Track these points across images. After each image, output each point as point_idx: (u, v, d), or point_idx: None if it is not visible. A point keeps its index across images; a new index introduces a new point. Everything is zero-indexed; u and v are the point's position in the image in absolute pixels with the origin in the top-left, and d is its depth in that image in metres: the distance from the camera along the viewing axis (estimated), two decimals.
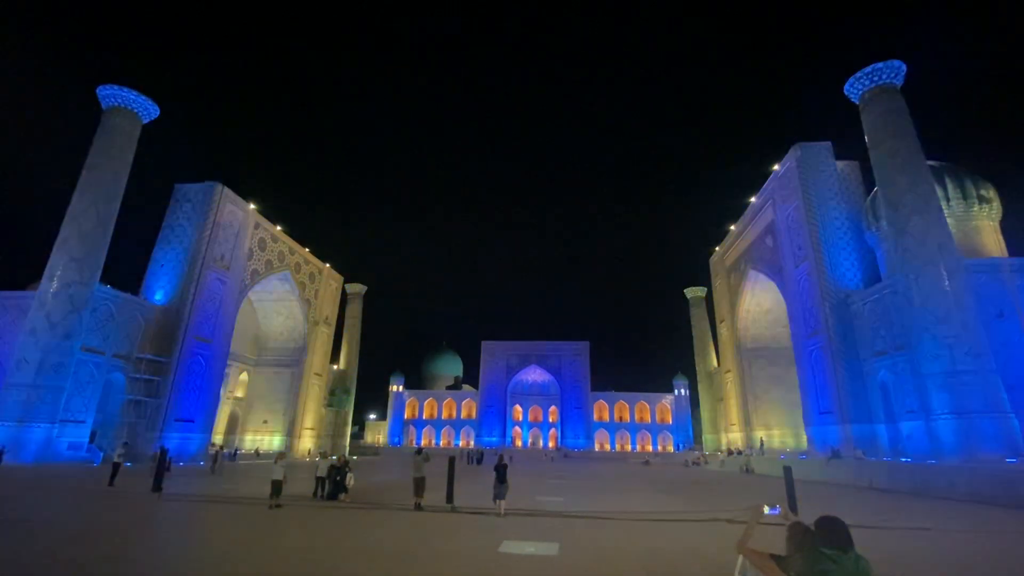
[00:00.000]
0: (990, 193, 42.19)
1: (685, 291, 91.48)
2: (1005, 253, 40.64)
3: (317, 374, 73.54)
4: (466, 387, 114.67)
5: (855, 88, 40.76)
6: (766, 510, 4.10)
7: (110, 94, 43.81)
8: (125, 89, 43.85)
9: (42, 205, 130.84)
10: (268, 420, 68.44)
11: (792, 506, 16.30)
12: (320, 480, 19.47)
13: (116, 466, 23.28)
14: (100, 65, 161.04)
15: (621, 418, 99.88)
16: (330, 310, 78.50)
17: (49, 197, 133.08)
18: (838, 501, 22.63)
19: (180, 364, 47.62)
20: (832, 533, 3.44)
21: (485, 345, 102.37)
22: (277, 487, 16.76)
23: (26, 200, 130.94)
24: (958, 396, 30.46)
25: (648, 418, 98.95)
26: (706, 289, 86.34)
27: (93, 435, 42.16)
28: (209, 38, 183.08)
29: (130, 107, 44.46)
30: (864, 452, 37.58)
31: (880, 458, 36.55)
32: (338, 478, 19.06)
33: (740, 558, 3.84)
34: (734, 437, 66.66)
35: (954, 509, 19.53)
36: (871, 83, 39.76)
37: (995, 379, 30.57)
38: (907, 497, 24.15)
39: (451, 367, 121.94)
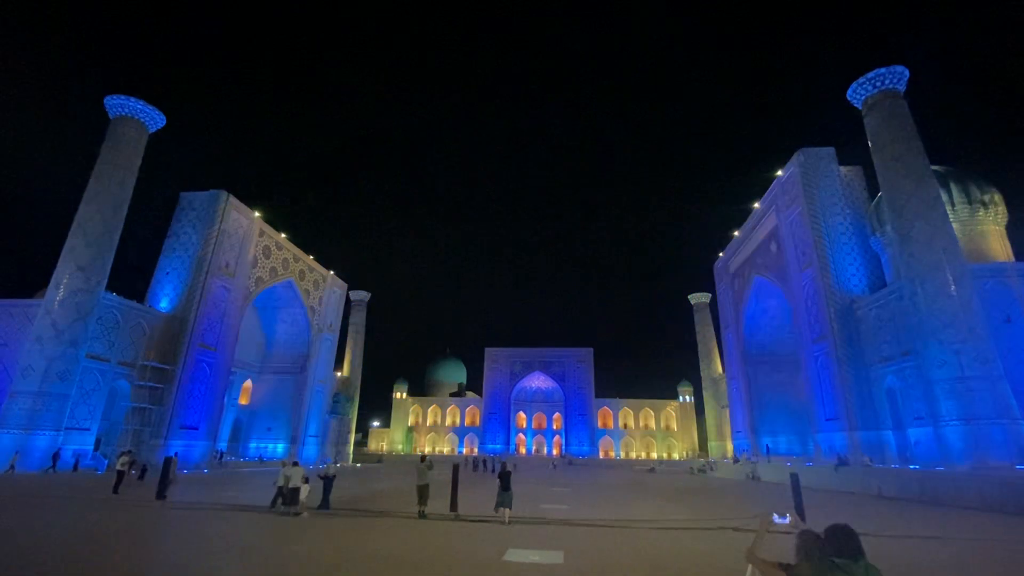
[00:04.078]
0: (995, 197, 41.98)
1: (689, 297, 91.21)
2: (1011, 257, 40.34)
3: (321, 381, 73.59)
4: (470, 394, 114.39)
5: (858, 93, 40.78)
6: (775, 518, 4.06)
7: (117, 104, 44.32)
8: (132, 99, 44.34)
9: (49, 214, 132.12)
10: (272, 427, 68.44)
11: (800, 514, 16.14)
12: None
13: (120, 474, 23.34)
14: (107, 75, 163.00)
15: (626, 425, 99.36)
16: (334, 317, 78.62)
17: (56, 206, 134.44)
18: (846, 509, 22.36)
19: (185, 372, 47.74)
20: (842, 541, 3.42)
21: (488, 352, 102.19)
22: (292, 494, 16.85)
23: (33, 209, 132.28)
24: (966, 402, 30.19)
25: (653, 425, 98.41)
26: (710, 295, 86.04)
27: (98, 443, 42.20)
28: (215, 47, 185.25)
29: (137, 117, 44.95)
30: (872, 459, 37.16)
31: (888, 465, 36.22)
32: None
33: (749, 567, 3.81)
34: (740, 444, 66.18)
35: (964, 517, 19.29)
36: (874, 88, 39.78)
37: (1003, 385, 30.30)
38: (916, 505, 23.88)
39: (455, 374, 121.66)
